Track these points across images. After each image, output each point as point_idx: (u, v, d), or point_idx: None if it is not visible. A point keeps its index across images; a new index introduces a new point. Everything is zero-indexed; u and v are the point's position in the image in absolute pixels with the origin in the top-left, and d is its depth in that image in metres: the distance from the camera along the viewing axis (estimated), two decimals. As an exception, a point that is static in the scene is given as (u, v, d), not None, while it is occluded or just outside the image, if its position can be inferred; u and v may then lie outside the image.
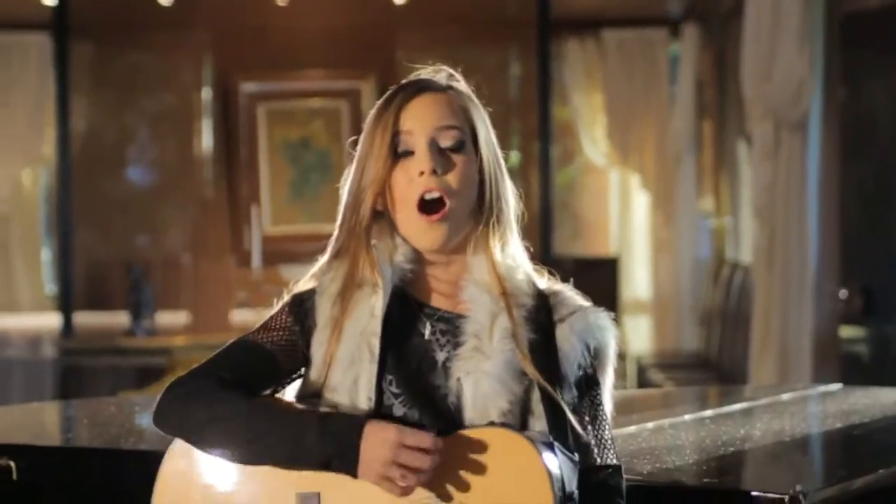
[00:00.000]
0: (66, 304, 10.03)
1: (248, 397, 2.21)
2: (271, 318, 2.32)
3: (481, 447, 2.14)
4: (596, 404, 2.31)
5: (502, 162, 2.36)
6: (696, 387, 6.45)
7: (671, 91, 10.19)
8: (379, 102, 2.33)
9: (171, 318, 10.11)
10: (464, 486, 2.13)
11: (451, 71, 2.38)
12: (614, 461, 2.29)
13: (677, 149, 10.00)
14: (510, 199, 2.36)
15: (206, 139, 10.58)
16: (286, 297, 2.34)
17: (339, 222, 2.34)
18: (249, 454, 2.18)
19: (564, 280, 2.38)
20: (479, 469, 2.13)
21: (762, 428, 3.37)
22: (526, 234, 2.39)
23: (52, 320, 9.98)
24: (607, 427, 2.31)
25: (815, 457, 3.29)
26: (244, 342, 2.30)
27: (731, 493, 2.53)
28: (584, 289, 2.37)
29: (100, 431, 3.59)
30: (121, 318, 9.76)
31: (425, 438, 2.10)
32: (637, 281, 10.55)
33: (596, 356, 2.30)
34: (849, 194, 7.66)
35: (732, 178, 9.76)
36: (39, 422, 3.97)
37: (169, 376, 8.17)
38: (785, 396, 4.04)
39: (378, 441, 2.10)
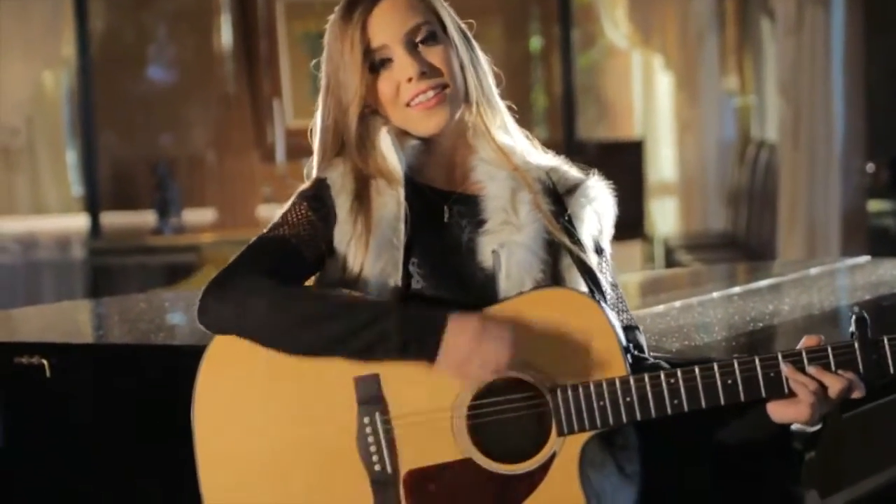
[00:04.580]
0: (92, 204, 10.04)
1: (308, 288, 2.20)
2: (289, 212, 2.29)
3: (546, 308, 2.16)
4: (609, 268, 2.37)
5: (474, 43, 2.37)
6: (723, 265, 6.43)
7: (692, -32, 10.07)
8: (336, 17, 2.32)
9: (197, 216, 10.14)
10: (535, 348, 2.14)
11: None
12: (633, 322, 2.35)
13: (699, 27, 9.89)
14: (490, 78, 2.37)
15: (225, 35, 10.53)
16: (298, 193, 2.32)
17: (318, 145, 2.36)
18: (319, 341, 2.14)
19: (589, 165, 2.40)
20: (547, 329, 2.14)
21: (791, 303, 3.37)
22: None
23: (79, 221, 10.00)
24: (621, 289, 2.38)
25: (845, 329, 3.28)
26: (269, 239, 2.27)
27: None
28: (609, 172, 2.40)
29: (130, 328, 3.62)
30: (148, 217, 9.80)
31: (505, 331, 2.10)
32: (663, 162, 10.50)
33: (601, 225, 2.36)
34: (874, 68, 7.59)
35: (756, 56, 9.68)
36: (71, 320, 4.00)
37: (198, 273, 8.23)
38: (813, 271, 4.04)
39: (461, 331, 2.09)
